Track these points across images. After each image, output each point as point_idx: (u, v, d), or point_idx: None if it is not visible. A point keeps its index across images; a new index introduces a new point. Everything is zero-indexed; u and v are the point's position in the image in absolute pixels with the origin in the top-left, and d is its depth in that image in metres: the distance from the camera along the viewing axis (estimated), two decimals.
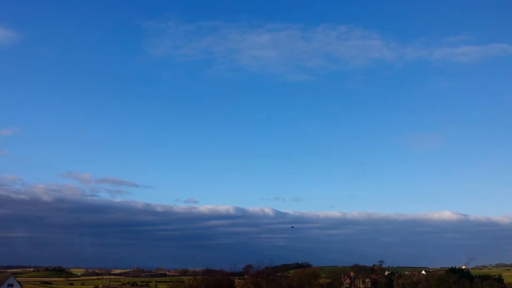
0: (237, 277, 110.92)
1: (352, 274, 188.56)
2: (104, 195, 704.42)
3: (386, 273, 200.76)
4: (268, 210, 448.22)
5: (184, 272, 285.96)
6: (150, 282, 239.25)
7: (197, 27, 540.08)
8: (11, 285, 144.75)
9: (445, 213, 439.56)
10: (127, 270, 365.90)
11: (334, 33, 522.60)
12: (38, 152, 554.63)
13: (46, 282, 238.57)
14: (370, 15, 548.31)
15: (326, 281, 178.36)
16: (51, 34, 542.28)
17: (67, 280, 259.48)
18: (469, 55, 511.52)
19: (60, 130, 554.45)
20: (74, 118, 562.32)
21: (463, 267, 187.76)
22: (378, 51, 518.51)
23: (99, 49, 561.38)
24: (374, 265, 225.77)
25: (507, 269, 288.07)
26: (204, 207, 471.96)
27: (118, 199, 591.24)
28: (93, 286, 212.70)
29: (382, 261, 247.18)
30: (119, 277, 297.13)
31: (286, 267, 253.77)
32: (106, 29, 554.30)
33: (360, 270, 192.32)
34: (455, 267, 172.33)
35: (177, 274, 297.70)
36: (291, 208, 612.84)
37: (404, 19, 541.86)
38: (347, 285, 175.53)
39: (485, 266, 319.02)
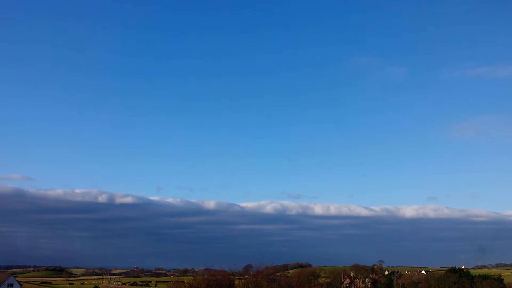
0: (237, 277, 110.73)
1: (352, 274, 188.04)
2: None
3: (386, 273, 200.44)
4: None
5: (184, 272, 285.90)
6: (150, 282, 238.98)
7: None
8: (11, 285, 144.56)
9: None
10: (127, 270, 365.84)
11: None
12: None
13: (46, 282, 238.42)
14: None
15: (326, 281, 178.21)
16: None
17: (67, 280, 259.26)
18: None
19: None
20: None
21: (463, 267, 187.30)
22: None
23: None
24: (374, 265, 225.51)
25: (507, 269, 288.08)
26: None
27: None
28: (93, 286, 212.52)
29: (382, 261, 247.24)
30: (119, 277, 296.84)
31: (286, 267, 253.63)
32: None
33: (360, 270, 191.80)
34: (455, 267, 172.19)
35: (177, 274, 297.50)
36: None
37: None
38: (347, 285, 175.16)
39: (485, 266, 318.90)
